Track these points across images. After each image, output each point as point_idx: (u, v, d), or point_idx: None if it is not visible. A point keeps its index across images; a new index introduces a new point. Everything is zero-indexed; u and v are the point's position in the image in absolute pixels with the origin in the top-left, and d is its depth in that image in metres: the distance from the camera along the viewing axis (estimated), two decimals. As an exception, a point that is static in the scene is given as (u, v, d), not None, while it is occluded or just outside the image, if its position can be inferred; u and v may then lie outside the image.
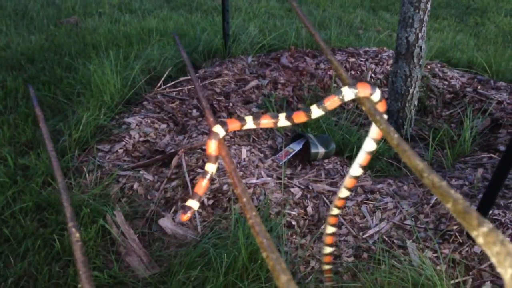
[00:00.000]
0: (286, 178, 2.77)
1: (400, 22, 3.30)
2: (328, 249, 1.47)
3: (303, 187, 2.70)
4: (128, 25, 5.33)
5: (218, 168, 2.74)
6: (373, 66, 4.25)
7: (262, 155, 3.01)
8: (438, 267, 2.16)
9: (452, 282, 2.11)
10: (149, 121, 3.22)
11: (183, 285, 2.10)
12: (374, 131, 0.82)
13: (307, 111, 0.72)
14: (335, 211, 1.16)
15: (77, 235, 0.57)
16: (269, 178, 2.72)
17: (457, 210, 0.39)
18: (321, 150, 3.05)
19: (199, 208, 2.55)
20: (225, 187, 2.60)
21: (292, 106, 3.81)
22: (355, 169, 0.93)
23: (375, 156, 3.16)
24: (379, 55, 4.42)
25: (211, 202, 2.57)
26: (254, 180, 2.68)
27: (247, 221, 2.29)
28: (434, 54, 4.92)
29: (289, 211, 2.52)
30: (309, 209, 2.56)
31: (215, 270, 2.10)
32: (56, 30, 5.24)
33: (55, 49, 4.63)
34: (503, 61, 4.76)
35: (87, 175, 2.72)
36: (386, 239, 2.35)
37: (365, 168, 0.91)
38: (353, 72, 4.20)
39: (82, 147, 2.98)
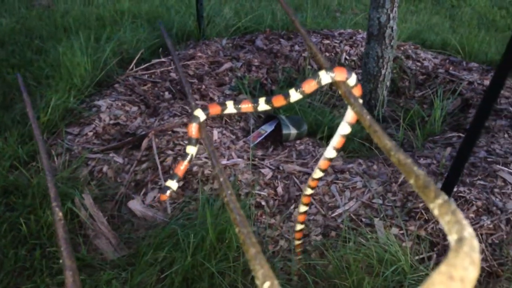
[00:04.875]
0: (257, 159, 2.77)
1: (372, 3, 3.30)
2: (299, 226, 1.50)
3: (273, 168, 2.71)
4: (101, 7, 5.24)
5: (188, 150, 2.73)
6: (347, 48, 4.25)
7: (234, 137, 3.01)
8: (404, 244, 2.20)
9: (417, 258, 2.15)
10: (120, 104, 3.19)
11: (151, 266, 2.10)
12: (349, 115, 0.84)
13: (286, 95, 0.73)
14: (309, 191, 1.18)
15: (60, 214, 0.58)
16: (239, 159, 2.72)
17: (419, 185, 0.42)
18: (293, 131, 3.05)
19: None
20: (194, 168, 2.60)
21: (266, 88, 3.81)
22: (330, 151, 0.94)
23: (348, 138, 3.17)
24: (354, 37, 4.42)
25: (181, 183, 2.57)
26: (224, 162, 2.68)
27: (216, 202, 2.30)
28: (408, 36, 4.94)
29: (259, 192, 2.52)
30: (279, 189, 2.57)
31: (183, 251, 2.10)
32: (28, 13, 5.13)
33: (26, 32, 4.53)
34: (476, 42, 4.80)
35: (55, 158, 2.69)
36: (354, 217, 2.38)
37: (339, 150, 0.93)
38: (327, 54, 4.20)
39: (51, 131, 2.95)
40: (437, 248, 2.21)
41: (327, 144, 2.87)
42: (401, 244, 2.19)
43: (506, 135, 3.04)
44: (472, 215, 2.34)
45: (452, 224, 0.35)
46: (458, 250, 0.32)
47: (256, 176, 2.62)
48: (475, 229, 2.27)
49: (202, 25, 4.33)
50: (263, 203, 2.47)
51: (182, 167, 0.80)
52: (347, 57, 4.19)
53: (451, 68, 4.02)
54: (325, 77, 0.70)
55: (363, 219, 2.38)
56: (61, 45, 3.72)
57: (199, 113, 0.76)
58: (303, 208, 1.33)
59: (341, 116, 3.25)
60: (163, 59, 3.87)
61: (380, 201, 2.46)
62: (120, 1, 5.51)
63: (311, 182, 1.14)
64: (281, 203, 2.51)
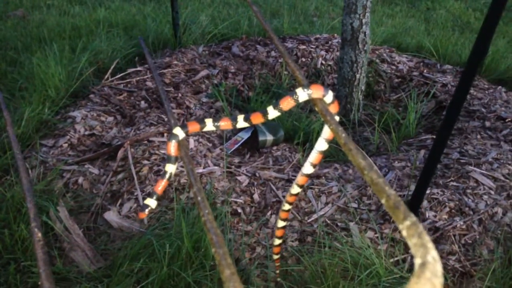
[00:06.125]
0: (233, 167, 2.78)
1: (345, 8, 3.34)
2: (277, 241, 1.51)
3: (250, 174, 2.72)
4: (77, 17, 5.21)
5: (164, 159, 2.73)
6: (323, 52, 4.29)
7: (210, 145, 3.01)
8: (379, 247, 2.22)
9: (391, 260, 2.17)
10: (95, 114, 3.17)
11: (127, 278, 2.09)
12: (326, 132, 0.85)
13: (264, 113, 0.75)
14: (287, 206, 1.19)
15: (39, 235, 0.58)
16: (216, 167, 2.72)
17: (389, 205, 0.43)
18: (269, 138, 3.07)
19: (145, 199, 2.54)
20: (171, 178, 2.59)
21: (243, 94, 3.82)
22: (307, 168, 0.95)
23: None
24: (329, 42, 4.46)
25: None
26: (200, 170, 2.68)
27: (192, 211, 2.29)
28: (384, 39, 5.01)
29: (235, 199, 2.53)
30: (256, 196, 2.58)
31: (159, 261, 2.10)
32: (2, 23, 5.07)
33: (0, 43, 4.48)
34: (450, 44, 4.88)
35: (30, 171, 2.66)
36: (330, 222, 2.40)
37: (316, 166, 0.94)
38: (303, 59, 4.23)
39: (25, 143, 2.92)
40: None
41: (304, 149, 2.89)
42: (376, 247, 2.21)
43: (478, 136, 3.10)
44: (445, 216, 2.37)
45: (418, 247, 0.36)
46: (420, 275, 0.33)
47: (232, 184, 2.63)
48: (448, 230, 2.30)
49: (178, 33, 4.33)
50: (240, 210, 2.48)
51: (161, 186, 0.81)
52: (323, 62, 4.23)
53: (425, 71, 4.08)
54: (302, 95, 0.72)
55: (339, 224, 2.40)
56: (35, 56, 3.69)
57: (178, 131, 0.77)
58: (281, 224, 1.33)
59: (318, 121, 3.28)
60: (139, 68, 3.86)
61: (355, 205, 2.48)
62: (96, 11, 5.49)
63: (289, 198, 1.15)
64: (257, 210, 2.52)
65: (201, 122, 0.79)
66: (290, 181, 2.71)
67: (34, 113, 3.03)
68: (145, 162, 2.72)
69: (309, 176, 1.01)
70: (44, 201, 2.47)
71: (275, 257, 1.66)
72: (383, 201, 0.44)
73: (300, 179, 1.03)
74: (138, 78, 3.69)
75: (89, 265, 2.22)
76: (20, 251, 2.22)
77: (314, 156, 0.93)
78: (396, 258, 2.20)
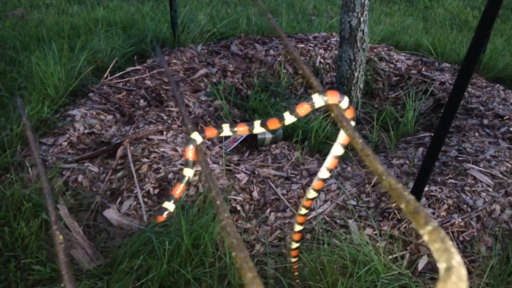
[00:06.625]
0: (232, 165, 2.79)
1: (343, 7, 3.35)
2: (295, 245, 1.52)
3: (249, 172, 2.73)
4: (76, 16, 5.21)
5: (163, 157, 2.74)
6: (321, 51, 4.30)
7: (209, 143, 3.02)
8: (377, 244, 2.23)
9: (390, 257, 2.18)
10: (94, 113, 3.18)
11: (127, 275, 2.10)
12: (342, 137, 0.86)
13: (281, 118, 0.76)
14: (303, 211, 1.20)
15: (61, 237, 0.58)
16: (215, 165, 2.74)
17: (409, 210, 0.42)
18: (268, 136, 3.08)
19: (144, 197, 2.55)
20: (170, 175, 2.60)
21: (242, 93, 3.83)
22: (323, 172, 0.96)
23: (323, 141, 3.21)
24: (328, 40, 4.47)
25: (156, 191, 2.57)
26: (199, 168, 2.68)
27: (191, 208, 2.30)
28: (382, 37, 5.02)
29: (234, 197, 2.54)
30: (255, 193, 2.59)
31: (159, 258, 2.11)
32: (1, 23, 5.08)
33: (-1, 42, 4.49)
34: (448, 43, 4.89)
35: (29, 169, 2.67)
36: (329, 219, 2.41)
37: (332, 170, 0.95)
38: (302, 58, 4.24)
39: (25, 142, 2.92)
40: (410, 247, 2.26)
41: (302, 147, 2.90)
42: (375, 244, 2.22)
43: (476, 134, 3.11)
44: (443, 213, 2.39)
45: (441, 252, 0.36)
46: (446, 280, 0.34)
47: (231, 181, 2.64)
48: (446, 227, 2.32)
49: (177, 32, 4.34)
50: (239, 207, 2.49)
51: (179, 189, 0.83)
52: (322, 61, 4.24)
53: (423, 69, 4.10)
54: (319, 101, 0.72)
55: (338, 221, 2.41)
56: (34, 55, 3.70)
57: (196, 136, 0.78)
58: (298, 228, 1.35)
59: (316, 119, 3.29)
60: (138, 67, 3.87)
61: (354, 203, 2.50)
62: (95, 10, 5.49)
63: (305, 202, 1.16)
64: (256, 207, 2.53)
65: (218, 127, 0.80)
66: (289, 179, 2.72)
67: (34, 111, 3.04)
68: (145, 160, 2.73)
69: (325, 180, 1.02)
70: (43, 199, 2.47)
71: (293, 260, 1.68)
72: (402, 206, 0.44)
73: (316, 183, 1.04)
74: (137, 77, 3.70)
75: (89, 262, 2.23)
76: (20, 249, 2.23)
77: (330, 161, 0.94)
78: (394, 255, 2.21)
